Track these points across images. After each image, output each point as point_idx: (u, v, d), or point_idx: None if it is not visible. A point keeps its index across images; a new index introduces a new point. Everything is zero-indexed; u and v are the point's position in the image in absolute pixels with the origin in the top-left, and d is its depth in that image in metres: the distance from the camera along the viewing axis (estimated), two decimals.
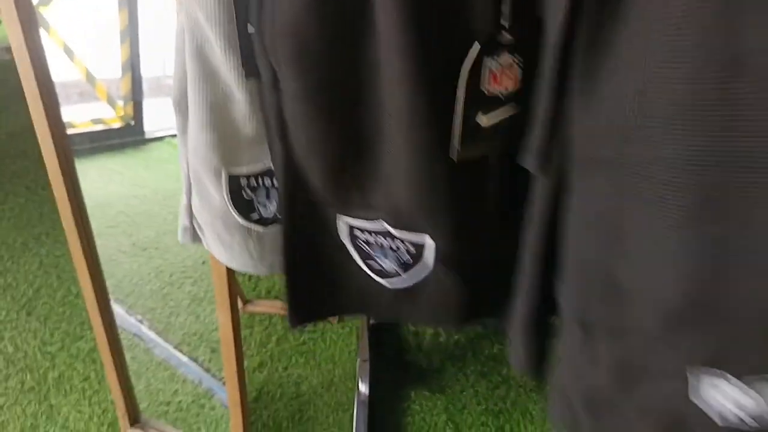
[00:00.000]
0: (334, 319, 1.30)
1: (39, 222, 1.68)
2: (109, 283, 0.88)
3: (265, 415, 1.07)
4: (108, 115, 2.25)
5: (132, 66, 2.20)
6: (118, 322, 0.92)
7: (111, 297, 0.89)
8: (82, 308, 1.31)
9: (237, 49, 0.52)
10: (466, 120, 0.44)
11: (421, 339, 1.27)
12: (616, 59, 0.35)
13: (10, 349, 1.22)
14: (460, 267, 0.55)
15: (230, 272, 0.77)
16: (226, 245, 0.66)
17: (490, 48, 0.42)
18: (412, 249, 0.55)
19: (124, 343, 0.96)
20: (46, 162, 0.73)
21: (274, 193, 0.64)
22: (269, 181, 0.63)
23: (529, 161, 0.41)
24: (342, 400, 1.10)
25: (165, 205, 1.81)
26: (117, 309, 1.31)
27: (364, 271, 0.60)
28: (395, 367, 1.19)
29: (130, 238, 1.62)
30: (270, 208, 0.64)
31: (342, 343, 1.25)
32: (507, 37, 0.41)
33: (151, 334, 1.26)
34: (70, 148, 0.74)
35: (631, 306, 0.38)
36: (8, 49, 0.65)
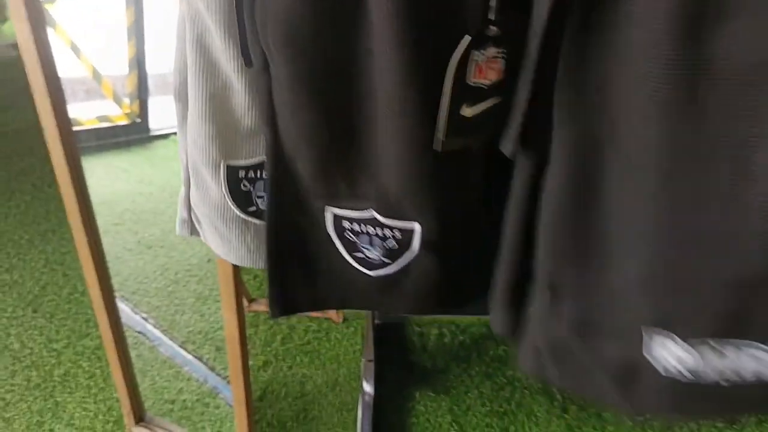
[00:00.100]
0: (339, 319, 1.30)
1: (45, 219, 1.69)
2: (115, 281, 0.88)
3: (269, 414, 1.07)
4: (114, 113, 2.26)
5: (138, 63, 2.20)
6: (124, 319, 0.92)
7: (116, 294, 0.89)
8: (87, 306, 1.31)
9: (236, 39, 0.51)
10: (451, 112, 0.45)
11: (426, 339, 1.26)
12: (601, 48, 0.38)
13: (16, 346, 1.22)
14: (444, 251, 0.56)
15: (236, 271, 0.77)
16: (224, 238, 0.66)
17: (479, 41, 0.42)
18: (399, 236, 0.55)
19: (130, 340, 0.96)
20: (52, 159, 0.73)
21: None
22: None
23: (507, 147, 0.44)
24: (346, 400, 1.10)
25: (171, 203, 1.80)
26: (122, 307, 1.32)
27: (349, 263, 0.60)
28: (400, 367, 1.19)
29: (136, 235, 1.63)
30: None
31: (347, 343, 1.24)
32: (494, 30, 0.42)
33: (157, 332, 1.27)
34: (76, 145, 0.74)
35: (600, 270, 0.44)
36: (15, 46, 0.65)
